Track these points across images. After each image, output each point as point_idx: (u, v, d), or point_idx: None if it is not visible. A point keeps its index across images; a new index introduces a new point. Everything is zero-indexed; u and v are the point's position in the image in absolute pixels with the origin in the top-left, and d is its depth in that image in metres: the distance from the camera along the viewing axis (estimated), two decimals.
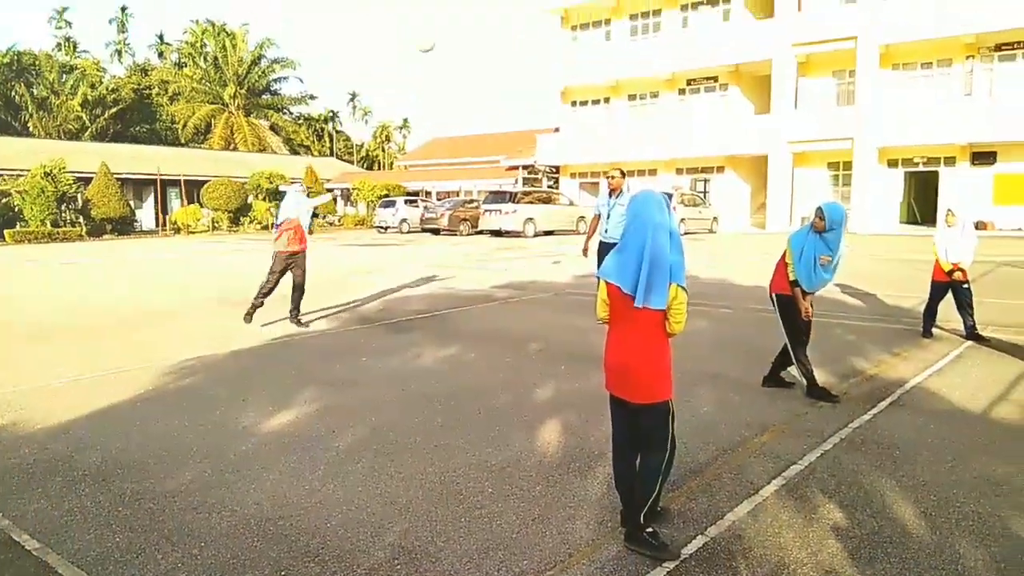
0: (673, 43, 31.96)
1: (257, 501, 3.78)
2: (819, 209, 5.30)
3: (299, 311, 8.82)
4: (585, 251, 9.03)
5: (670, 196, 27.46)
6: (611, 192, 8.41)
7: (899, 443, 4.50)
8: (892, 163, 27.91)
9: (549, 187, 36.31)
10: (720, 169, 32.68)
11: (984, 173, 26.09)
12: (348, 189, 42.84)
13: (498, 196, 28.20)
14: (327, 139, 72.49)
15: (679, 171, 33.67)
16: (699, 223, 27.51)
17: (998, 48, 25.51)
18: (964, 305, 7.43)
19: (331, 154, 66.62)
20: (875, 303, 10.07)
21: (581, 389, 5.81)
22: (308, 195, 9.18)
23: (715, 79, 32.29)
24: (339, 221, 39.63)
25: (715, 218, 28.82)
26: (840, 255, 5.36)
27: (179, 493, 3.90)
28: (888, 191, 27.90)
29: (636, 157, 32.83)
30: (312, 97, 63.01)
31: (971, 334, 7.37)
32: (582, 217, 29.22)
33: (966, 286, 7.42)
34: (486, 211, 27.45)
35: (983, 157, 26.00)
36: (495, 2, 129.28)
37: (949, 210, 7.59)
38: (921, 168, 27.50)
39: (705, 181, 33.41)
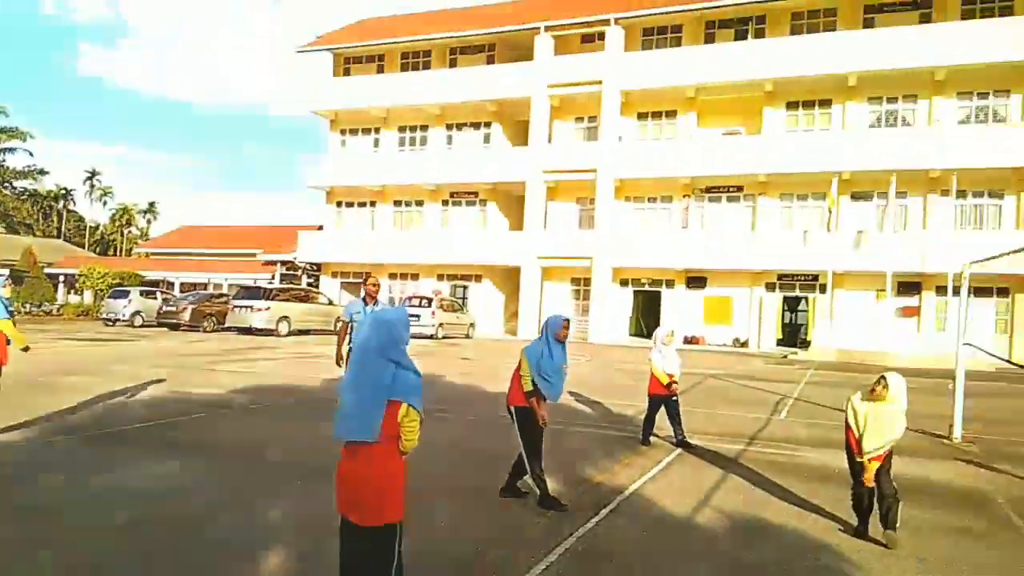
0: (438, 158, 33.86)
1: None
2: (566, 320, 5.71)
3: None
4: (338, 359, 8.67)
5: (430, 301, 28.35)
6: (367, 299, 8.40)
7: (615, 552, 4.80)
8: (624, 282, 31.39)
9: (309, 285, 35.43)
10: (478, 278, 34.31)
11: (697, 295, 30.24)
12: (74, 275, 38.19)
13: (251, 292, 26.86)
14: (55, 218, 64.73)
15: (440, 277, 34.78)
16: (457, 328, 28.39)
17: (707, 190, 30.29)
18: (675, 415, 8.32)
19: (59, 235, 59.44)
20: (603, 411, 10.91)
21: (314, 509, 5.48)
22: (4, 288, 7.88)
23: (475, 194, 34.37)
24: (58, 311, 34.95)
25: (472, 324, 29.93)
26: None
27: None
28: (620, 306, 31.20)
29: (399, 260, 33.54)
30: (42, 172, 56.31)
31: (680, 442, 8.21)
32: (339, 317, 28.77)
33: (675, 399, 8.33)
34: (236, 307, 25.88)
35: (696, 281, 30.19)
36: (257, 103, 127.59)
37: (672, 331, 8.56)
38: (647, 288, 31.18)
39: (464, 288, 34.79)
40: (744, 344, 28.81)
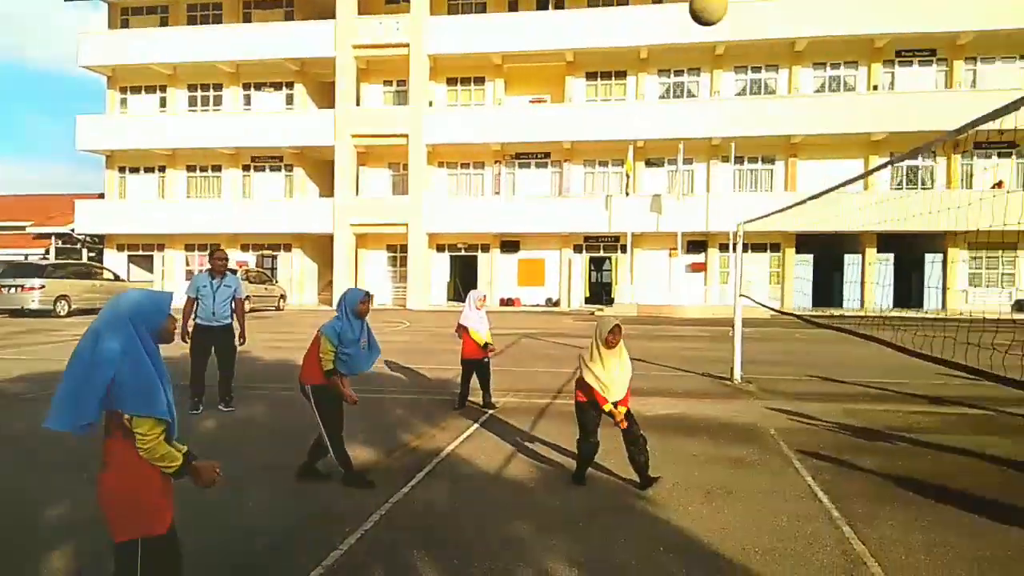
0: (235, 120, 31.60)
1: None
2: (365, 294, 5.48)
3: None
4: (183, 335, 7.97)
5: (234, 271, 26.48)
6: (214, 272, 8.09)
7: (433, 512, 4.83)
8: (440, 248, 31.51)
9: (91, 259, 31.94)
10: (287, 247, 32.83)
11: (511, 259, 31.10)
12: None
13: (22, 268, 23.73)
14: None
15: (244, 247, 32.85)
16: (266, 300, 27.03)
17: (517, 156, 31.03)
18: (485, 380, 8.44)
19: None
20: (420, 377, 10.92)
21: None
22: None
23: (280, 159, 32.66)
24: None
25: (283, 295, 28.64)
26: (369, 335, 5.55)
27: None
28: (438, 272, 31.35)
29: (197, 230, 31.17)
30: None
31: (488, 403, 8.39)
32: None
33: (487, 361, 8.47)
34: (2, 286, 22.77)
35: (510, 245, 31.02)
36: (15, 58, 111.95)
37: (484, 296, 8.64)
38: (463, 253, 31.55)
39: (272, 258, 33.15)
40: (556, 304, 30.19)
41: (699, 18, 5.36)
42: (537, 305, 30.16)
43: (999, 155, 27.87)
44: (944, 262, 28.22)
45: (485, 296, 8.68)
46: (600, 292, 32.47)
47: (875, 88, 28.37)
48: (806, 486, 5.47)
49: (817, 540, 4.39)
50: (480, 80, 31.35)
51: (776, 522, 4.69)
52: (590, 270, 31.72)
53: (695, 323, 22.98)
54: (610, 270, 32.03)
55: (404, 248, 30.72)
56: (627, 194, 28.93)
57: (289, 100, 32.76)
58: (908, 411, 8.48)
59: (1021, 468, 6.03)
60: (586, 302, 30.35)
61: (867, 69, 28.67)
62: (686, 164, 28.88)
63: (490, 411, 8.18)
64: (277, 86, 32.84)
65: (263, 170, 33.08)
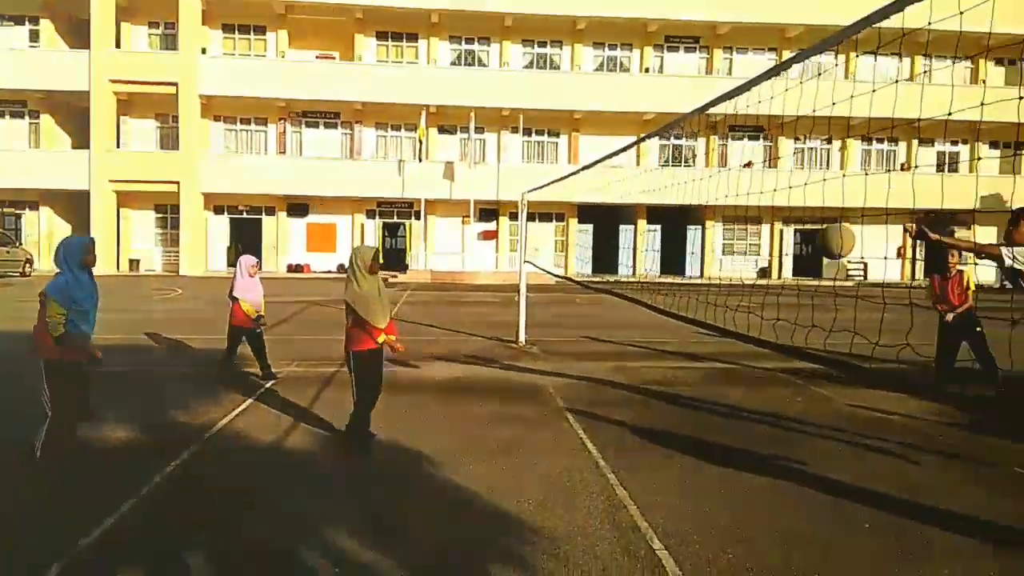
0: None
1: None
2: (90, 240, 4.85)
3: None
4: None
5: None
6: None
7: (204, 487, 4.51)
8: (219, 209, 29.31)
9: None
10: (34, 205, 28.74)
11: (300, 222, 29.75)
12: None
13: None
14: None
15: None
16: (8, 265, 23.53)
17: (304, 115, 29.54)
18: (259, 349, 7.95)
19: None
20: (192, 350, 10.11)
21: None
22: None
23: (23, 103, 28.36)
24: None
25: (28, 260, 25.07)
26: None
27: None
28: (216, 235, 29.17)
29: None
30: None
31: (267, 375, 7.95)
32: None
33: (260, 331, 8.00)
34: None
35: (298, 208, 29.62)
36: None
37: (256, 262, 8.03)
38: (245, 215, 29.61)
39: (16, 217, 28.89)
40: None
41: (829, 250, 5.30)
42: (328, 271, 29.22)
43: (748, 138, 31.45)
44: (703, 233, 31.46)
45: (258, 262, 8.08)
46: (394, 258, 32.21)
47: (647, 70, 30.61)
48: (578, 439, 5.84)
49: (585, 488, 4.71)
50: (261, 29, 29.28)
51: (549, 474, 4.96)
52: (384, 236, 31.28)
53: (486, 289, 23.62)
54: (405, 236, 31.83)
55: (176, 209, 28.14)
56: (420, 160, 28.80)
57: (34, 36, 28.38)
58: (668, 366, 9.39)
59: (760, 417, 6.91)
60: (380, 268, 29.91)
61: (640, 52, 30.81)
62: (478, 133, 29.32)
63: (269, 382, 7.77)
64: (19, 20, 28.30)
65: (2, 116, 28.53)
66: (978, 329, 7.09)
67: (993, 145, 31.67)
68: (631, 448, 5.62)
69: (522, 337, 11.01)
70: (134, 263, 28.60)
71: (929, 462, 5.39)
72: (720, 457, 5.40)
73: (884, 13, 2.51)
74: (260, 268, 8.15)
